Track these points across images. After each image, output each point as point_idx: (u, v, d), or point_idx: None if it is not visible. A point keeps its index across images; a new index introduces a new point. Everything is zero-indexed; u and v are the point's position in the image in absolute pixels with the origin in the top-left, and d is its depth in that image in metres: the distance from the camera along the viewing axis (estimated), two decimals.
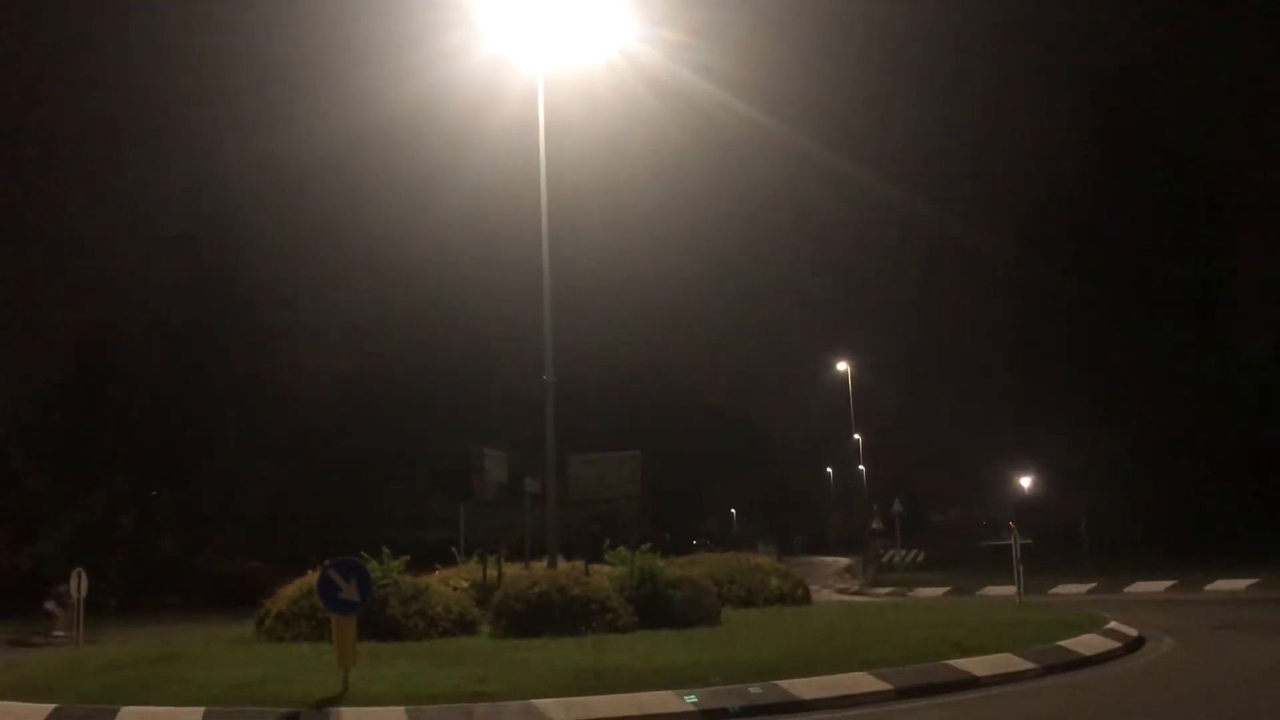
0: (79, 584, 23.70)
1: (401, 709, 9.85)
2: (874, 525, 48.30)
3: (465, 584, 17.89)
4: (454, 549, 20.40)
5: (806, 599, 22.86)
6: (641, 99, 23.65)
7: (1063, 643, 13.34)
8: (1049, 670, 12.02)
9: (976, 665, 11.73)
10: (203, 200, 48.42)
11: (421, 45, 21.01)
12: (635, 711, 9.83)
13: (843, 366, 55.46)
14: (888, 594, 34.96)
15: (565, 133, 21.02)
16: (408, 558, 16.50)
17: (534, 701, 9.93)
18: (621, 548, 17.48)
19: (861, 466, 63.20)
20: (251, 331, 48.23)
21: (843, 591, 39.02)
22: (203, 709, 10.10)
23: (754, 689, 10.44)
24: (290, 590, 16.51)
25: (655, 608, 16.15)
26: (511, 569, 18.51)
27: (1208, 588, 26.28)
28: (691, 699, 10.05)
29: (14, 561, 39.30)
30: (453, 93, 20.99)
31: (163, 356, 44.97)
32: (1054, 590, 28.75)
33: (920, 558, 56.51)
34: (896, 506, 48.50)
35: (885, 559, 50.06)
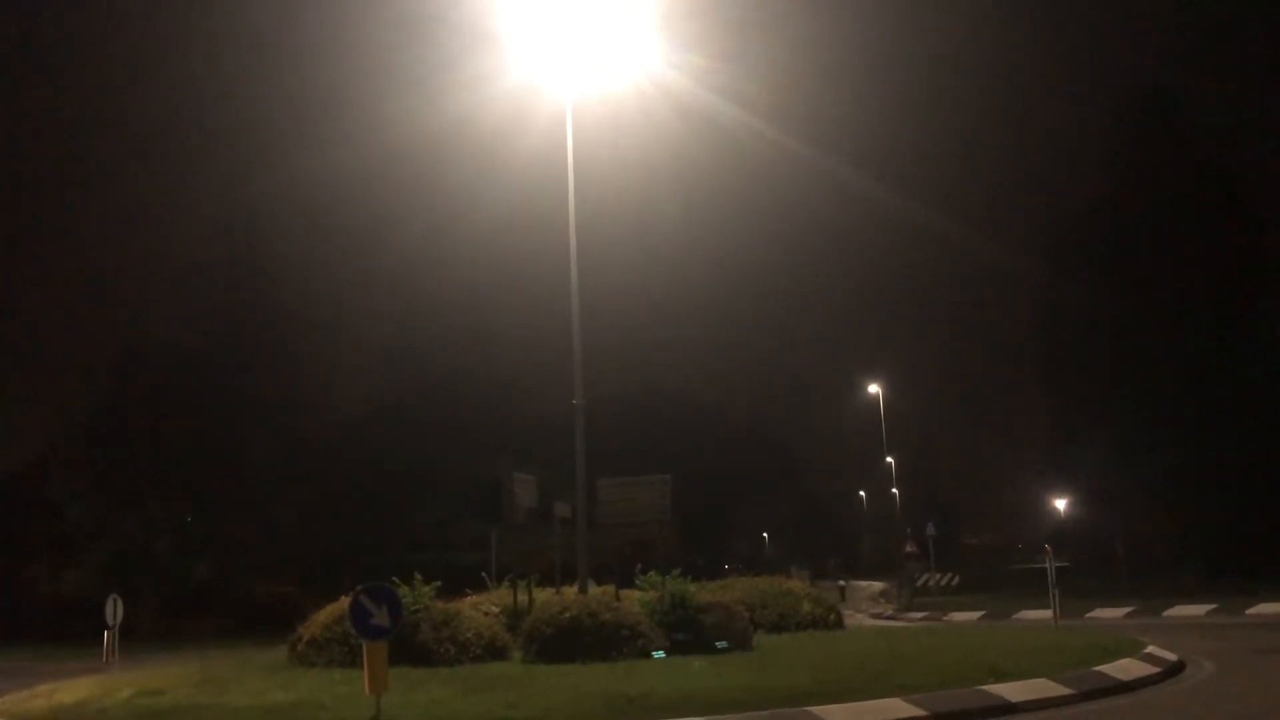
0: (114, 609, 23.86)
1: None
2: (908, 549, 47.83)
3: (496, 609, 17.88)
4: (485, 574, 20.39)
5: (839, 624, 22.68)
6: (669, 124, 23.78)
7: (1100, 668, 13.14)
8: (1086, 696, 11.83)
9: (1012, 690, 11.57)
10: (233, 227, 49.00)
11: (450, 72, 21.23)
12: None
13: (874, 389, 55.27)
14: (922, 618, 34.60)
15: (593, 158, 21.13)
16: (439, 583, 16.51)
17: None
18: (653, 572, 17.43)
19: (894, 489, 62.77)
20: (282, 356, 48.61)
21: (877, 616, 38.67)
22: None
23: (784, 714, 10.34)
24: (323, 615, 16.58)
25: (686, 633, 16.06)
26: (542, 594, 18.48)
27: (1249, 611, 25.79)
28: None
29: (52, 587, 39.72)
30: (481, 118, 21.18)
31: (196, 382, 45.34)
32: (1091, 614, 28.35)
33: (955, 581, 55.90)
34: (930, 529, 48.05)
35: (919, 583, 49.54)
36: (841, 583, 64.23)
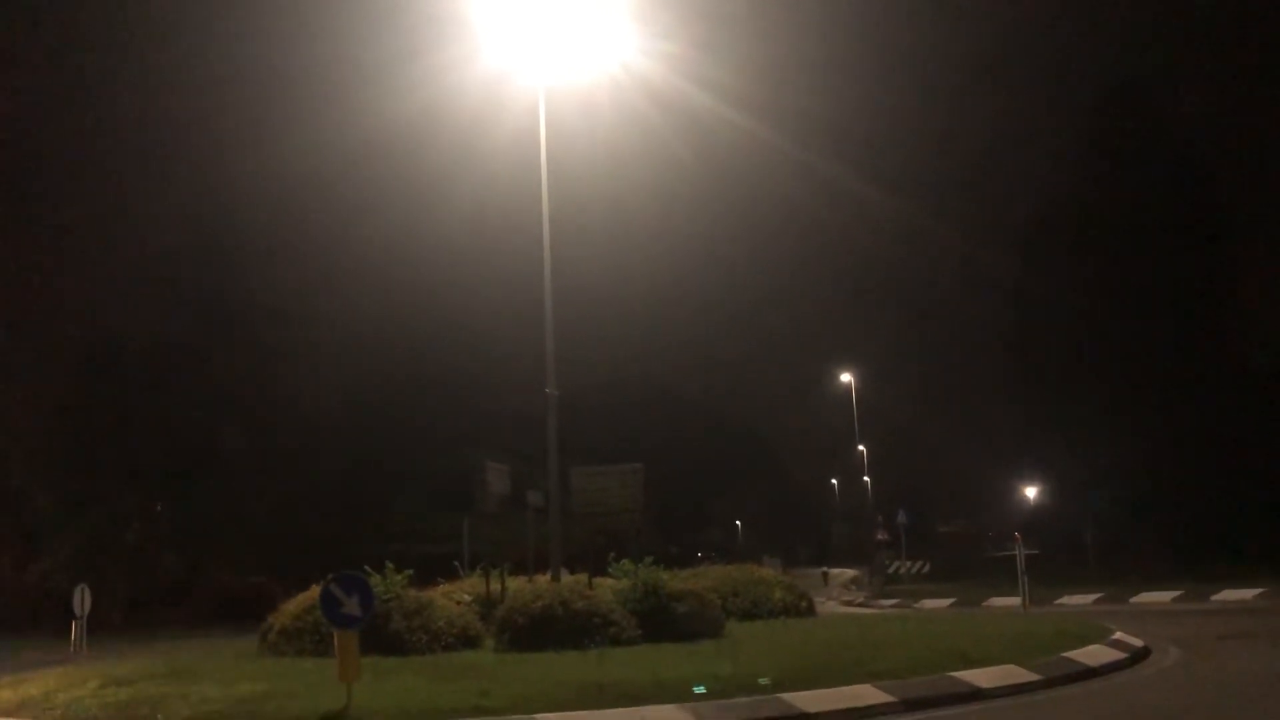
0: (82, 600, 23.66)
1: None
2: (879, 536, 48.16)
3: (469, 598, 17.87)
4: (457, 563, 20.36)
5: (811, 611, 22.79)
6: (642, 112, 23.71)
7: (1068, 654, 13.28)
8: (1054, 682, 11.96)
9: (981, 676, 11.68)
10: (204, 215, 48.55)
11: (422, 59, 21.11)
12: None
13: (847, 378, 55.58)
14: (893, 605, 34.84)
15: (566, 146, 21.07)
16: (411, 572, 16.48)
17: (537, 716, 9.92)
18: (625, 561, 17.46)
19: (866, 478, 63.15)
20: (254, 345, 48.24)
21: (848, 603, 38.89)
22: None
23: (756, 701, 10.40)
24: (293, 605, 16.50)
25: (659, 621, 16.11)
26: (515, 582, 18.48)
27: (1214, 597, 26.16)
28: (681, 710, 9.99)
29: (19, 578, 39.29)
30: (453, 106, 21.06)
31: (164, 371, 44.92)
32: (1060, 601, 28.65)
33: (926, 569, 56.31)
34: (901, 518, 48.39)
35: (891, 570, 49.90)
36: (825, 570, 64.87)
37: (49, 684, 13.33)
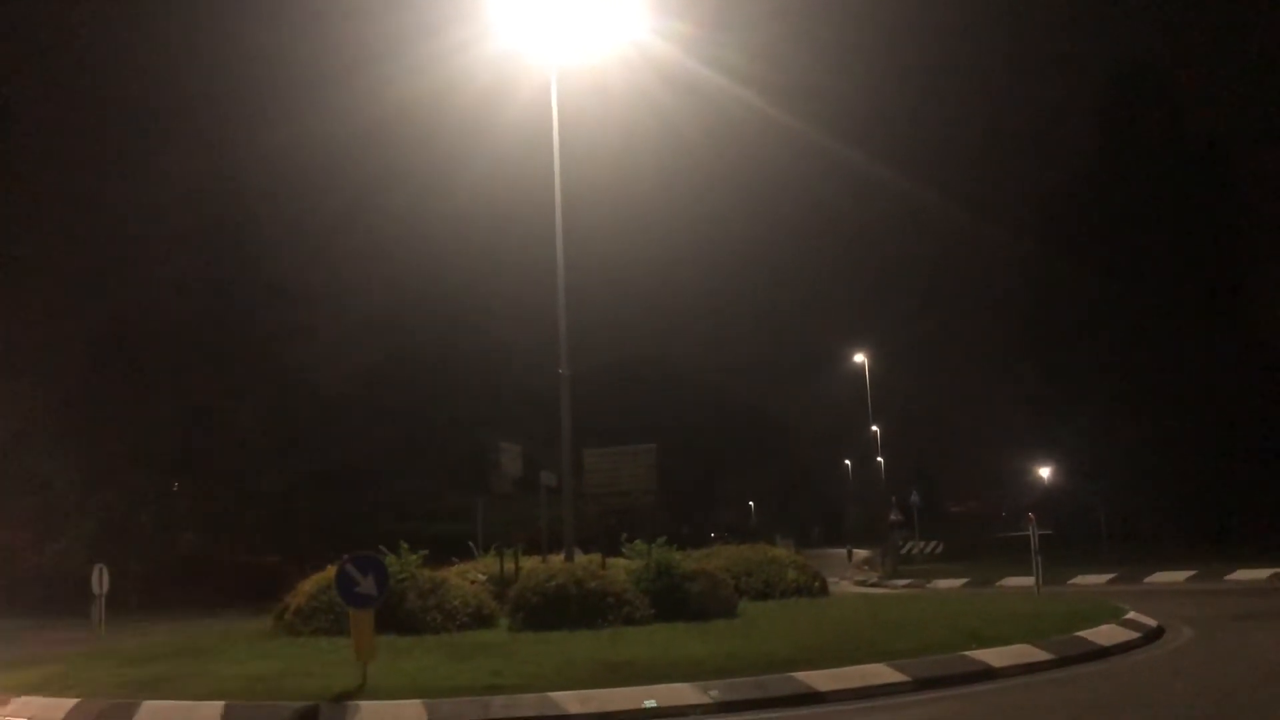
0: (100, 580, 23.88)
1: (419, 702, 9.89)
2: (892, 517, 48.18)
3: (483, 577, 17.95)
4: (471, 543, 20.44)
5: (824, 591, 22.81)
6: (654, 92, 23.62)
7: (1081, 633, 13.28)
8: (1067, 661, 11.96)
9: (994, 656, 11.69)
10: (215, 197, 48.56)
11: (433, 39, 21.05)
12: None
13: (860, 358, 55.48)
14: (906, 585, 34.88)
15: (577, 126, 21.01)
16: (425, 551, 16.56)
17: (551, 694, 9.96)
18: (638, 541, 17.50)
19: (879, 458, 63.10)
20: (267, 327, 48.43)
21: (861, 583, 38.95)
22: (223, 703, 10.18)
23: (769, 679, 10.43)
24: (309, 585, 16.59)
25: (672, 600, 16.15)
26: (529, 562, 18.55)
27: (1228, 577, 26.10)
28: (714, 692, 10.04)
29: (37, 560, 39.65)
30: (465, 86, 21.01)
31: (179, 352, 45.14)
32: (1073, 581, 28.63)
33: (939, 549, 56.35)
34: (914, 498, 48.38)
35: (904, 550, 49.93)
36: (849, 548, 65.36)
37: (68, 663, 13.48)
